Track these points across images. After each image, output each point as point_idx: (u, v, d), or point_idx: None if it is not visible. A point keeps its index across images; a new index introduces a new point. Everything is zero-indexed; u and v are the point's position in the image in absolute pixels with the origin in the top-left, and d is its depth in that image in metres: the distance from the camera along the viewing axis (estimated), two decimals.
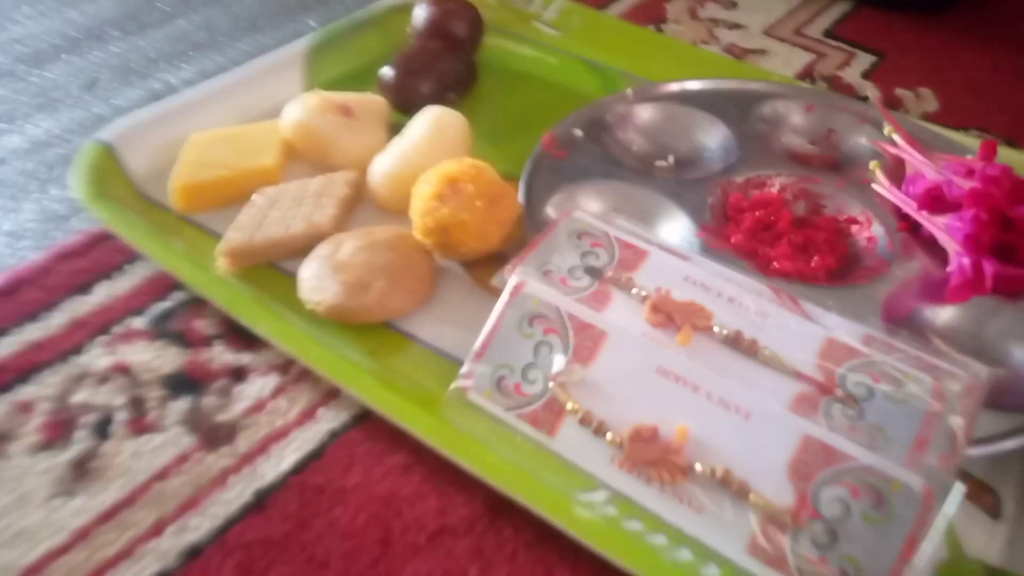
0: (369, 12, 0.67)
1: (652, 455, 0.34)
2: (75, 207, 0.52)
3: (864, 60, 0.69)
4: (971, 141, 0.53)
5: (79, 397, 0.41)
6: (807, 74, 0.68)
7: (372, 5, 0.67)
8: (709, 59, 0.66)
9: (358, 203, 0.51)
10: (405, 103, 0.56)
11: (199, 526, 0.35)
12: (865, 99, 0.64)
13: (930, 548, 0.30)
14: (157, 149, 0.52)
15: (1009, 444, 0.35)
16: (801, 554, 0.31)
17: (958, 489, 0.31)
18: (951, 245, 0.42)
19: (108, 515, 0.36)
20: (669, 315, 0.38)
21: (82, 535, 0.35)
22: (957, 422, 0.34)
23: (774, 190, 0.49)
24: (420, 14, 0.61)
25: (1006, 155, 0.48)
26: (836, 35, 0.73)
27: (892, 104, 0.64)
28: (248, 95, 0.57)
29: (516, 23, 0.68)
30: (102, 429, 0.39)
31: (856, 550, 0.31)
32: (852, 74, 0.68)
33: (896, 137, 0.49)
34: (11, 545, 0.35)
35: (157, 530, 0.35)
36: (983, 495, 0.36)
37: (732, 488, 0.33)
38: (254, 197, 0.48)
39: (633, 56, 0.64)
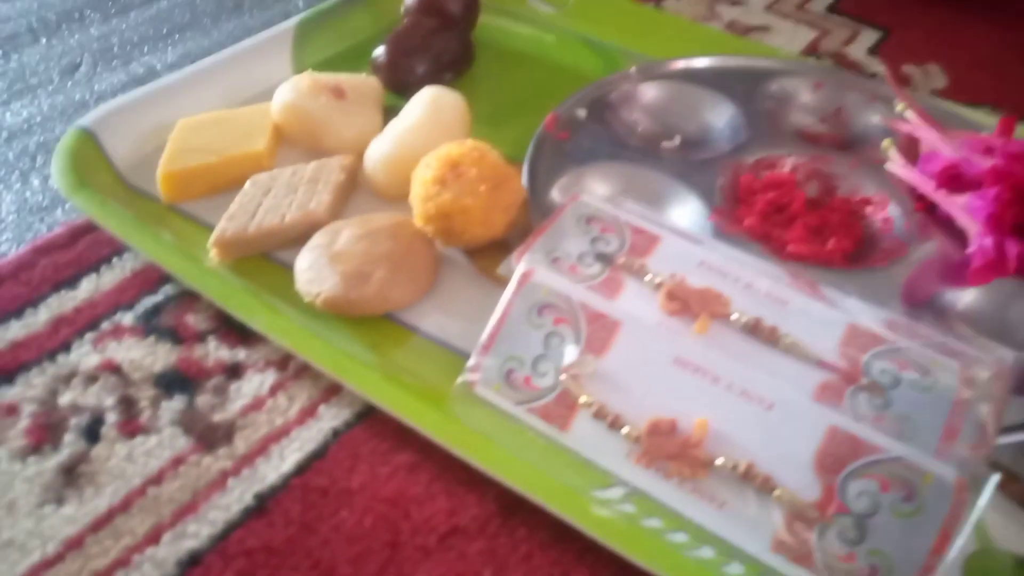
0: None
1: (671, 449, 0.33)
2: (59, 198, 0.50)
3: (869, 36, 0.68)
4: (984, 118, 0.51)
5: (67, 398, 0.39)
6: (812, 51, 0.66)
7: None
8: (712, 36, 0.64)
9: (354, 189, 0.49)
10: (399, 84, 0.54)
11: (198, 532, 0.34)
12: (873, 76, 0.62)
13: (961, 541, 0.29)
14: (142, 135, 0.51)
15: None
16: (828, 550, 0.30)
17: (992, 480, 0.29)
18: (971, 225, 0.41)
19: (101, 522, 0.34)
20: (685, 302, 0.37)
21: (74, 544, 0.33)
22: (986, 410, 0.32)
23: (785, 170, 0.47)
24: None
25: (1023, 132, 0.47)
26: (839, 11, 0.71)
27: (900, 81, 0.62)
28: (235, 78, 0.55)
29: (511, 0, 0.66)
30: (92, 431, 0.38)
31: (886, 545, 0.30)
32: (858, 50, 0.66)
33: (909, 114, 0.47)
34: None
35: (154, 537, 0.34)
36: (1011, 483, 0.34)
37: (755, 482, 0.32)
38: (246, 185, 0.46)
39: (633, 33, 0.62)
